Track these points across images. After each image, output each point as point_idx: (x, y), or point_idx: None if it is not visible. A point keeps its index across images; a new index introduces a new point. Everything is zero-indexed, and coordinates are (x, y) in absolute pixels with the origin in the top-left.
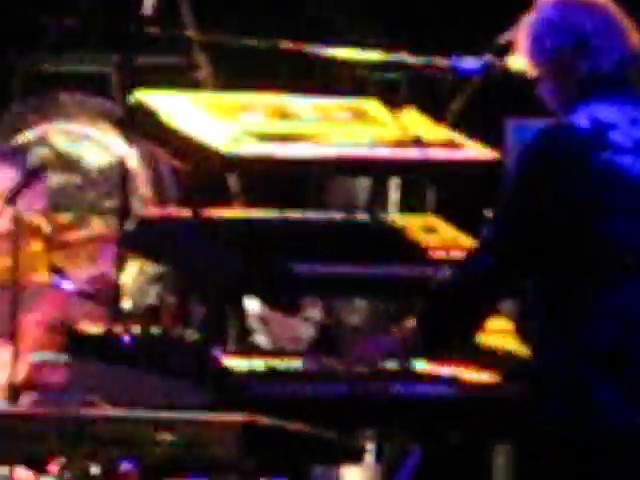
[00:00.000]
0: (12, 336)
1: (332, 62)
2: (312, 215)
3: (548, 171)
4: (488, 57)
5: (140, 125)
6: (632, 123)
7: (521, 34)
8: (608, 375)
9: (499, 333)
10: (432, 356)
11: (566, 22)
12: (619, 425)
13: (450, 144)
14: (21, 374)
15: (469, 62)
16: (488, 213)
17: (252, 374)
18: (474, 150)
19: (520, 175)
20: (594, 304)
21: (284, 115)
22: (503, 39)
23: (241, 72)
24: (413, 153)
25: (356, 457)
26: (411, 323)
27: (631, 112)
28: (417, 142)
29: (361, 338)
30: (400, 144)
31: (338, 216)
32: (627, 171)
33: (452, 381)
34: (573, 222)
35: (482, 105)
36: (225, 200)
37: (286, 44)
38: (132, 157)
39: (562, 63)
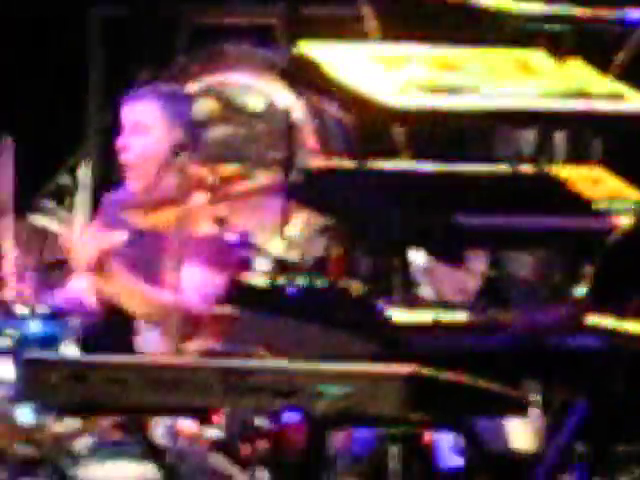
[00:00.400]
0: (175, 288)
1: (496, 13)
2: (476, 167)
3: None
4: None
5: (305, 76)
6: None
7: None
8: None
9: None
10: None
11: None
12: None
13: (616, 96)
14: (186, 326)
15: (636, 13)
16: None
17: (417, 326)
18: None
19: None
20: None
21: (449, 67)
22: None
23: (405, 24)
24: (578, 105)
25: (521, 409)
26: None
27: None
28: (582, 94)
29: (527, 312)
30: (565, 96)
31: (502, 168)
32: None
33: (616, 333)
34: None
35: None
36: (390, 152)
37: None
38: (297, 108)
39: None
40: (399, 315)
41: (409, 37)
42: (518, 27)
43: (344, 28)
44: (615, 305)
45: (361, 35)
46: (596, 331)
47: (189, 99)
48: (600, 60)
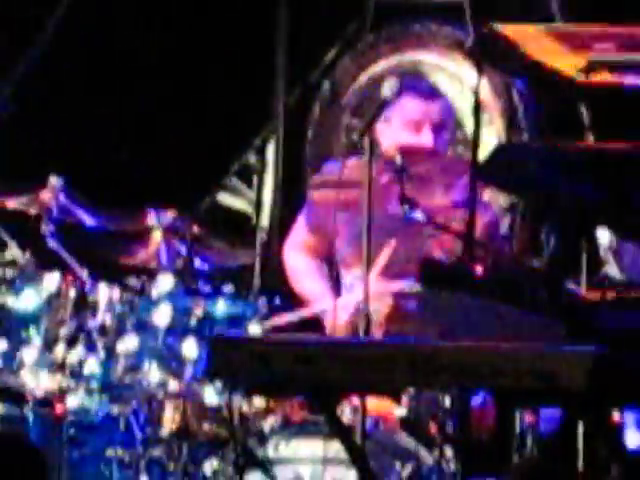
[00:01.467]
0: (365, 267)
1: None
2: None
3: None
4: None
5: (493, 55)
6: None
7: None
8: None
9: None
10: None
11: None
12: None
13: None
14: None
15: None
16: None
17: (605, 305)
18: None
19: None
20: None
21: (636, 45)
22: None
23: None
24: None
25: None
26: None
27: None
28: None
29: None
30: None
31: None
32: None
33: None
34: None
35: None
36: (577, 132)
37: None
38: (484, 88)
39: None
40: (587, 294)
41: (594, 18)
42: None
43: (530, 7)
44: None
45: (548, 17)
46: None
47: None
48: None
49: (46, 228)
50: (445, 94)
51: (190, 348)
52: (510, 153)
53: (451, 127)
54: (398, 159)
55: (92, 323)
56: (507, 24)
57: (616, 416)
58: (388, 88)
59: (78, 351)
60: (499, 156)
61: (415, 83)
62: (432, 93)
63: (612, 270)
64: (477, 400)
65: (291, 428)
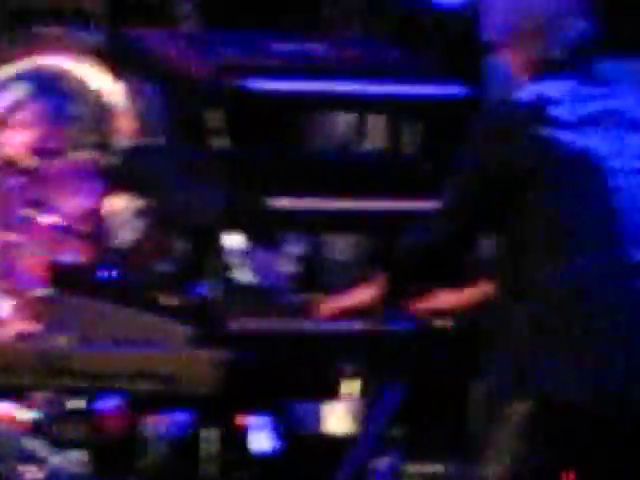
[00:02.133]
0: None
1: None
2: (294, 151)
3: (491, 143)
4: None
5: (124, 59)
6: (579, 100)
7: (483, 9)
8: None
9: None
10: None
11: (524, 4)
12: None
13: (428, 80)
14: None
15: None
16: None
17: (233, 309)
18: (452, 87)
19: (468, 149)
20: (533, 276)
21: (263, 51)
22: None
23: (224, 10)
24: (387, 88)
25: (335, 393)
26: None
27: (580, 89)
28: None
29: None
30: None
31: (321, 152)
32: (568, 146)
33: (427, 318)
34: (515, 193)
35: (464, 40)
36: (208, 136)
37: None
38: (115, 92)
39: (517, 44)
40: (215, 298)
41: (228, 23)
42: None
43: (162, 13)
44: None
45: (178, 21)
46: (410, 317)
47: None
48: (417, 43)
49: None
50: (76, 96)
51: None
52: (140, 156)
53: (82, 128)
54: (25, 161)
55: None
56: (139, 29)
57: (246, 420)
58: (19, 91)
59: None
60: (129, 159)
61: (46, 85)
62: (66, 97)
63: (243, 275)
64: (108, 403)
65: None
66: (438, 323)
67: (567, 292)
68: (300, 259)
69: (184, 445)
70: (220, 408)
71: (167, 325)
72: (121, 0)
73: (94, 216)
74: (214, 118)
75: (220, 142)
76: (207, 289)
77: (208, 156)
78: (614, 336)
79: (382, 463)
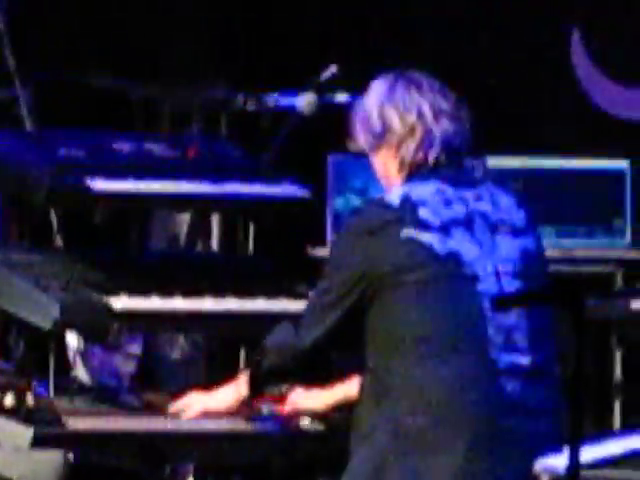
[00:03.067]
0: None
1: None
2: (134, 250)
3: (358, 246)
4: (309, 93)
5: None
6: (445, 203)
7: (354, 112)
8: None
9: None
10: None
11: (396, 105)
12: None
13: (265, 180)
14: None
15: (290, 98)
16: (311, 250)
17: (73, 410)
18: (291, 187)
19: (335, 251)
20: (398, 378)
21: (103, 151)
22: (324, 75)
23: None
24: (228, 188)
25: None
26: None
27: (447, 192)
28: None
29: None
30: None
31: (160, 252)
32: (430, 248)
33: (273, 417)
34: (382, 293)
35: (303, 140)
36: (47, 236)
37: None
38: None
39: (389, 144)
40: (54, 398)
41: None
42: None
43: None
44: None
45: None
46: (252, 416)
47: None
48: (255, 143)
49: None
50: None
51: None
52: None
53: None
54: None
55: None
56: None
57: None
58: None
59: None
60: None
61: None
62: None
63: (81, 374)
64: None
65: None
66: (306, 425)
67: (438, 392)
68: (139, 357)
69: None
70: None
71: (6, 425)
72: None
73: None
74: (53, 217)
75: (59, 241)
76: (46, 389)
77: (46, 256)
78: (477, 441)
79: None
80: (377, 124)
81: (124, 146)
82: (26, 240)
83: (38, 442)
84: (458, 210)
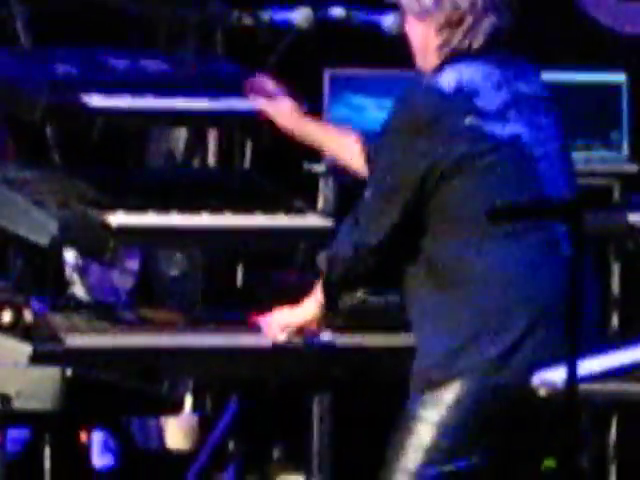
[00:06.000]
0: None
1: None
2: (131, 167)
3: (412, 144)
4: (305, 7)
5: None
6: (496, 87)
7: None
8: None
9: None
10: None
11: None
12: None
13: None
14: None
15: (286, 13)
16: (307, 166)
17: (71, 326)
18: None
19: (387, 151)
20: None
21: (97, 66)
22: None
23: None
24: (225, 104)
25: (175, 408)
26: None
27: (497, 76)
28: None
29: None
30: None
31: (158, 168)
32: (492, 135)
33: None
34: (442, 187)
35: (300, 56)
36: (44, 153)
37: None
38: None
39: (434, 22)
40: (53, 316)
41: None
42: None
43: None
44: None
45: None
46: (252, 329)
47: None
48: (252, 60)
49: None
50: None
51: None
52: None
53: None
54: None
55: None
56: None
57: (84, 435)
58: None
59: None
60: None
61: None
62: None
63: (78, 290)
64: None
65: None
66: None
67: (513, 274)
68: (136, 274)
69: (23, 462)
70: (60, 425)
71: (3, 342)
72: None
73: None
74: (50, 135)
75: (55, 159)
76: (44, 305)
77: (43, 173)
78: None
79: (222, 478)
80: (435, 5)
81: (120, 63)
82: (23, 157)
83: (36, 359)
84: (507, 92)
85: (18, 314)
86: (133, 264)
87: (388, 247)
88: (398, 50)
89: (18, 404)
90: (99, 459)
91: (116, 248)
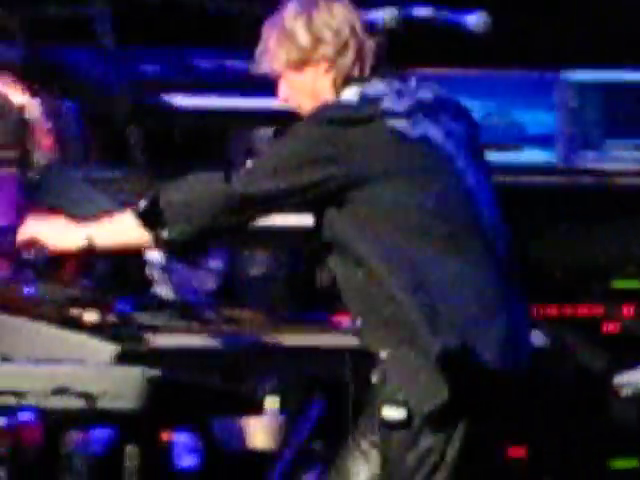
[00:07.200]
0: None
1: None
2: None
3: (321, 140)
4: (391, 7)
5: (41, 75)
6: (398, 95)
7: (269, 31)
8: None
9: None
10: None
11: (325, 20)
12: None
13: None
14: None
15: (371, 12)
16: None
17: (154, 326)
18: None
19: (293, 141)
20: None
21: (180, 66)
22: None
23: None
24: None
25: (258, 408)
26: None
27: (397, 85)
28: None
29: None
30: None
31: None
32: (402, 134)
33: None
34: (356, 189)
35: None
36: (128, 153)
37: None
38: (33, 108)
39: (320, 60)
40: (137, 314)
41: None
42: None
43: (81, 29)
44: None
45: (99, 37)
46: (329, 330)
47: None
48: None
49: None
50: None
51: None
52: (58, 174)
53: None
54: None
55: None
56: (58, 45)
57: (168, 436)
58: None
59: None
60: (47, 176)
61: None
62: None
63: (162, 290)
64: (27, 420)
65: None
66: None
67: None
68: (220, 274)
69: (106, 462)
70: (143, 424)
71: (88, 341)
72: (39, 16)
73: (13, 232)
74: (134, 135)
75: (139, 158)
76: (128, 305)
77: (126, 172)
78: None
79: (306, 478)
80: (305, 39)
81: (204, 62)
82: (106, 157)
83: (120, 358)
84: (411, 99)
85: (102, 314)
86: (217, 264)
87: (245, 209)
88: (483, 49)
89: (102, 404)
90: (182, 459)
91: (203, 249)
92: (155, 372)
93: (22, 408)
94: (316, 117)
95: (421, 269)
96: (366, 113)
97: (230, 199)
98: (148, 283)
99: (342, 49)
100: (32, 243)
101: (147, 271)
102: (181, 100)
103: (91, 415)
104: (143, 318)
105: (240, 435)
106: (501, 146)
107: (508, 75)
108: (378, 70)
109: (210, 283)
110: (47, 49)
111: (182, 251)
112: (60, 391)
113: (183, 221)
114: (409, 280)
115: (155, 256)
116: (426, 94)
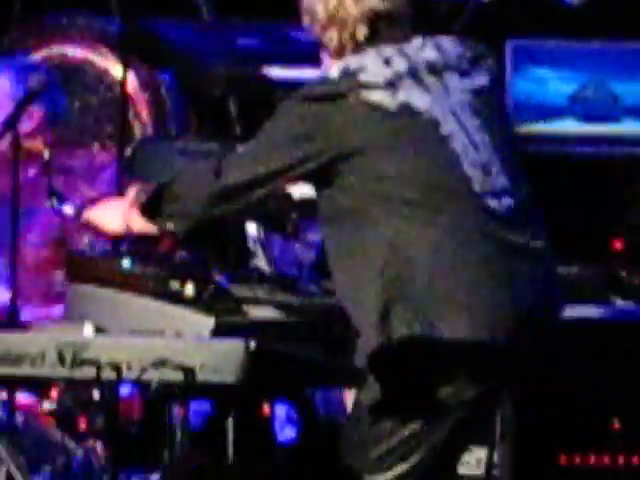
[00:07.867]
0: (11, 258)
1: None
2: None
3: (302, 121)
4: None
5: (139, 48)
6: (385, 62)
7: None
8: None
9: None
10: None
11: None
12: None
13: None
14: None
15: None
16: None
17: (253, 298)
18: None
19: (282, 118)
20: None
21: (280, 39)
22: None
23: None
24: None
25: (356, 380)
26: None
27: (387, 52)
28: None
29: None
30: None
31: None
32: (380, 106)
33: None
34: (344, 161)
35: (482, 27)
36: (227, 126)
37: None
38: (131, 81)
39: (335, 28)
40: (235, 287)
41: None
42: None
43: (178, 2)
44: None
45: (194, 10)
46: None
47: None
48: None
49: None
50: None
51: None
52: (154, 147)
53: (100, 118)
54: (46, 153)
55: None
56: (155, 18)
57: (267, 408)
58: (36, 80)
59: None
60: (143, 150)
61: (64, 76)
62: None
63: (261, 263)
64: (129, 393)
65: None
66: None
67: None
68: (318, 246)
69: (207, 435)
70: (243, 397)
71: (187, 314)
72: None
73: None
74: (231, 107)
75: (237, 131)
76: (227, 278)
77: (226, 146)
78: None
79: None
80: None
81: (301, 35)
82: (205, 129)
83: (219, 331)
84: (400, 63)
85: (201, 287)
86: (315, 236)
87: (233, 198)
88: (581, 21)
89: (201, 377)
90: (282, 432)
91: (298, 220)
92: (254, 344)
93: (122, 381)
94: (296, 96)
95: (402, 238)
96: (342, 88)
97: (217, 190)
98: (247, 256)
99: (327, 24)
100: (88, 227)
101: (248, 244)
102: (279, 72)
103: (191, 388)
104: (242, 291)
105: (340, 407)
106: (599, 118)
107: (605, 46)
108: (376, 38)
109: (309, 255)
110: (145, 23)
111: (186, 239)
112: (160, 364)
113: (178, 215)
114: (388, 254)
115: (253, 228)
116: (430, 53)
